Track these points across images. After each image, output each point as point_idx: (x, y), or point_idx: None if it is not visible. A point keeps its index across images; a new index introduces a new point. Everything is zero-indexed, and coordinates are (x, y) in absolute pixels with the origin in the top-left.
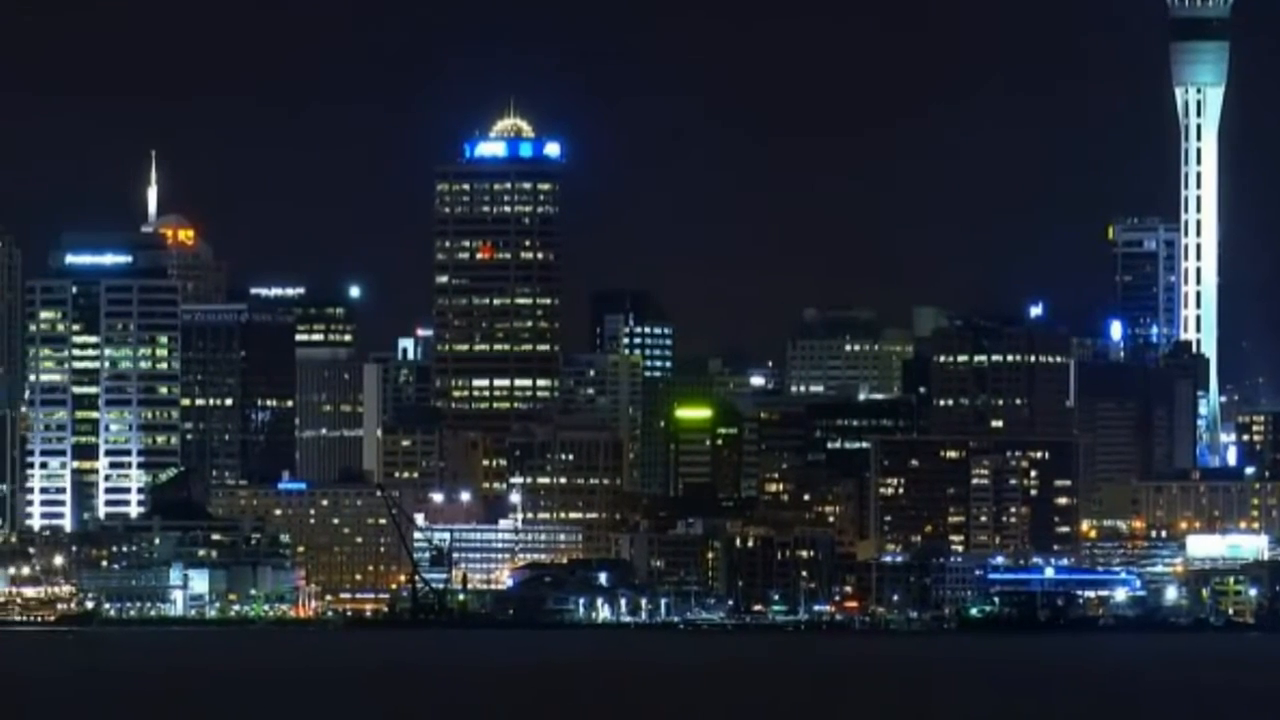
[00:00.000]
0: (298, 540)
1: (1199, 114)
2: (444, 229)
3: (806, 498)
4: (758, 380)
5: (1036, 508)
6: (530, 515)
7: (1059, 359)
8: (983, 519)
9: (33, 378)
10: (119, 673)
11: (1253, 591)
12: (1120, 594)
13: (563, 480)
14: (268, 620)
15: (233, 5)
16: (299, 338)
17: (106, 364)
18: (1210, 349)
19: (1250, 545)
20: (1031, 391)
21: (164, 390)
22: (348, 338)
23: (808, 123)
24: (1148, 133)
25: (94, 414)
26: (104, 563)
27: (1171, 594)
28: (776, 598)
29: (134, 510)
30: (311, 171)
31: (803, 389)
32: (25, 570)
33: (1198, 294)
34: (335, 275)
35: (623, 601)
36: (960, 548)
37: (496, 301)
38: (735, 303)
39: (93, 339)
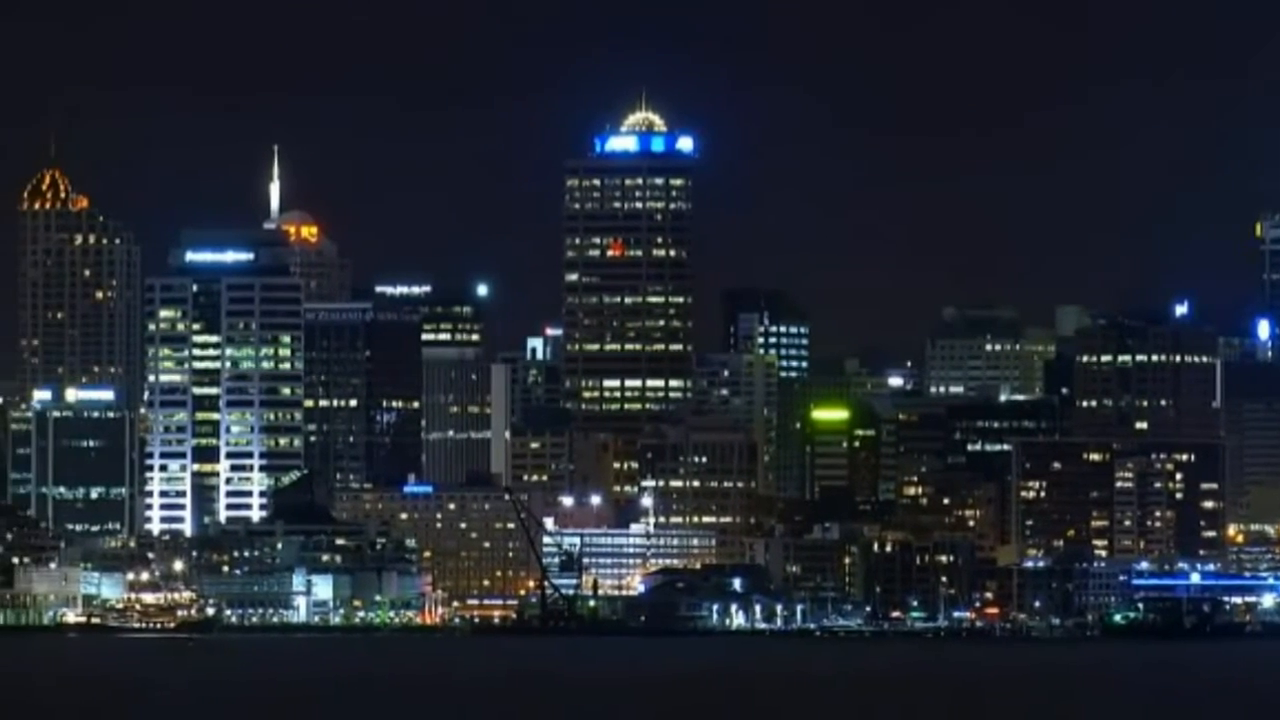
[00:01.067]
0: (424, 545)
1: None
2: (574, 225)
3: (946, 501)
4: (896, 381)
5: (1182, 511)
6: (662, 519)
7: (1205, 359)
8: (1127, 523)
9: (152, 378)
10: (240, 681)
11: None
12: (1268, 600)
13: (696, 483)
14: (393, 627)
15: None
16: (425, 337)
17: (227, 364)
18: None
19: None
20: (1177, 392)
21: (286, 391)
22: (475, 337)
23: (948, 119)
24: None
25: (215, 415)
26: (225, 568)
27: None
28: (915, 604)
29: (256, 514)
30: (438, 167)
31: (942, 390)
32: (144, 576)
33: None
34: (462, 273)
35: (757, 608)
36: (1104, 552)
37: (628, 300)
38: (873, 301)
39: (213, 338)
